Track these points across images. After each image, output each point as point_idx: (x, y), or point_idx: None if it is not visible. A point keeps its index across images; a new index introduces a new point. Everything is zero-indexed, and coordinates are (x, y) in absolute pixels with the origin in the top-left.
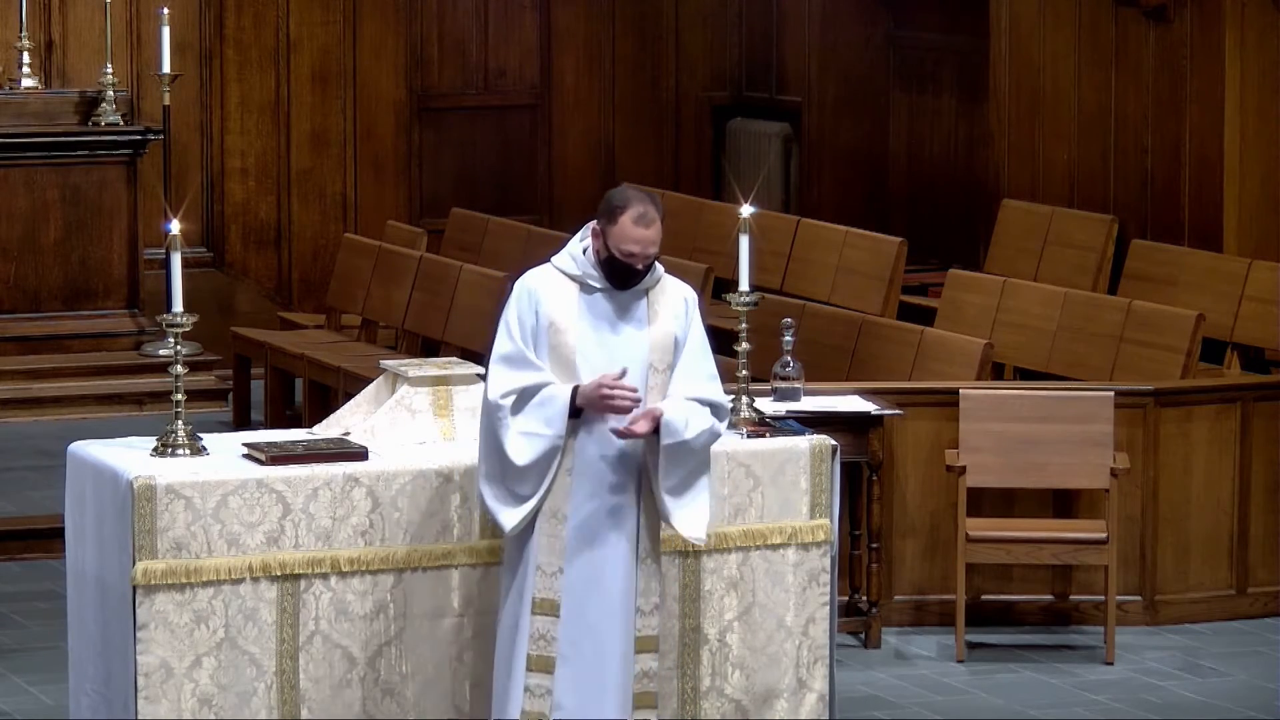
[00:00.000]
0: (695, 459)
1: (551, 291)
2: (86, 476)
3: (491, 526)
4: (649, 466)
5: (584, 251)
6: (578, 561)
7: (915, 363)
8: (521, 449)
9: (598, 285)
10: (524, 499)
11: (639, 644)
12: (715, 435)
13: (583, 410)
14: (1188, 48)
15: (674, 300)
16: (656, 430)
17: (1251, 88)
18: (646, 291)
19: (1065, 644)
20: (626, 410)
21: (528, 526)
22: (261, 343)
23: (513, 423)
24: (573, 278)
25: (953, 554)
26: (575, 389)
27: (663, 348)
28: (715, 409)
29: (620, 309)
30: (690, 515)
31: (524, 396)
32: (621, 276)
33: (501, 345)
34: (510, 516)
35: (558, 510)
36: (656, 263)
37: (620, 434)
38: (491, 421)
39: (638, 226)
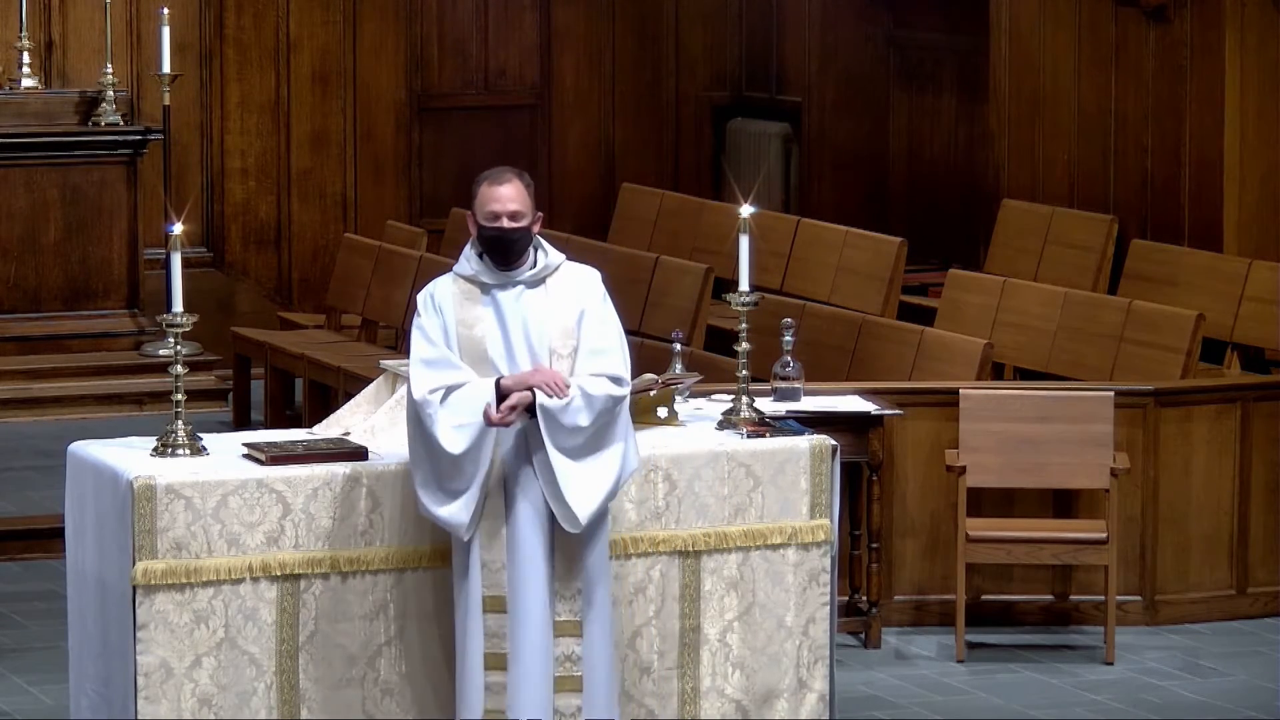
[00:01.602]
0: (583, 431)
1: (453, 295)
2: (86, 476)
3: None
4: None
5: (480, 256)
6: (516, 556)
7: (915, 363)
8: (454, 439)
9: (492, 281)
10: (461, 493)
11: (559, 628)
12: (608, 399)
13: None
14: (1188, 48)
15: (575, 285)
16: (533, 414)
17: (1251, 88)
18: (545, 280)
19: (1065, 644)
20: (522, 406)
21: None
22: (261, 343)
23: (441, 415)
24: (470, 279)
25: (953, 554)
26: (498, 380)
27: (564, 332)
28: (612, 379)
29: (520, 300)
30: (578, 491)
31: (449, 391)
32: (498, 249)
33: (420, 350)
34: (457, 512)
35: (494, 507)
36: (551, 249)
37: (488, 418)
38: (421, 419)
39: (493, 187)
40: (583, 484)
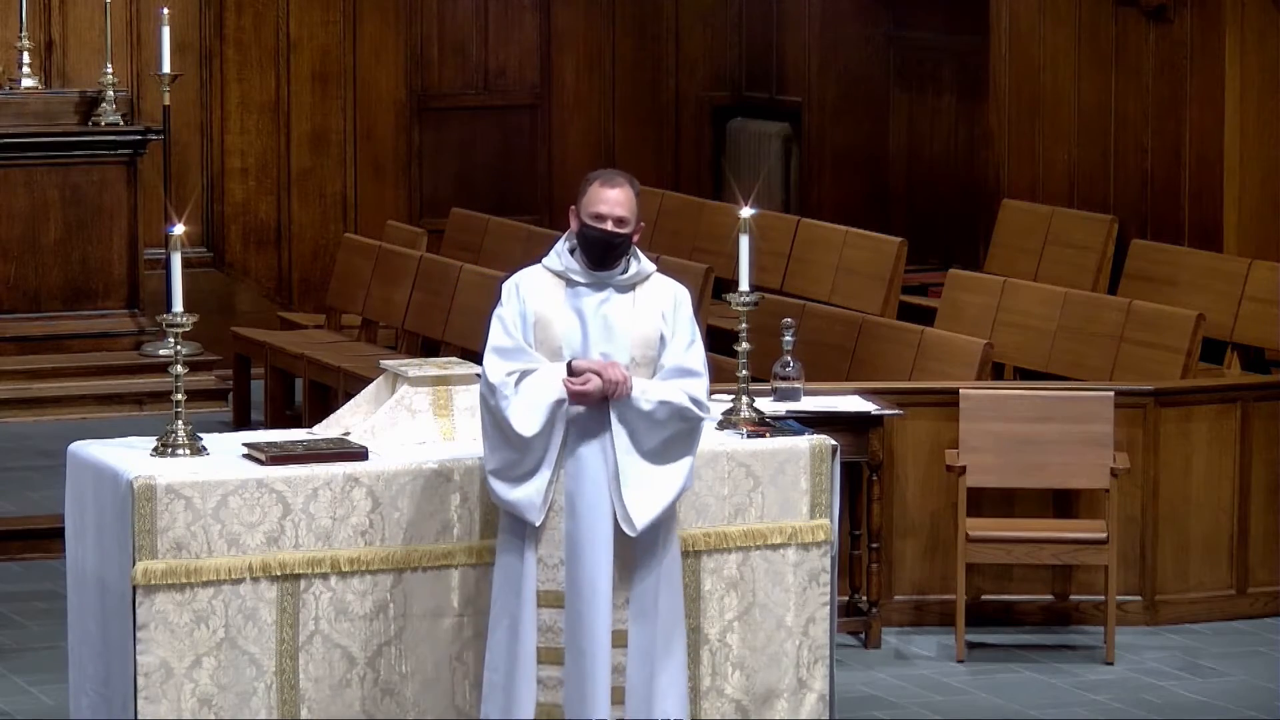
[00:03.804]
0: (657, 434)
1: (538, 287)
2: (86, 476)
3: (506, 521)
4: (612, 440)
5: (571, 251)
6: (573, 553)
7: (915, 363)
8: (527, 421)
9: (582, 280)
10: (532, 475)
11: (613, 639)
12: (686, 413)
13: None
14: (1188, 48)
15: (662, 297)
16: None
17: (1251, 88)
18: (634, 286)
19: (1065, 644)
20: (596, 390)
21: (521, 521)
22: (261, 343)
23: (515, 399)
24: (558, 274)
25: (953, 554)
26: (570, 361)
27: (645, 342)
28: (692, 400)
29: (606, 303)
30: (640, 495)
31: (523, 375)
32: (596, 250)
33: (496, 338)
34: (529, 494)
35: (554, 501)
36: (644, 257)
37: (571, 391)
38: (495, 402)
39: (603, 188)
40: (646, 490)
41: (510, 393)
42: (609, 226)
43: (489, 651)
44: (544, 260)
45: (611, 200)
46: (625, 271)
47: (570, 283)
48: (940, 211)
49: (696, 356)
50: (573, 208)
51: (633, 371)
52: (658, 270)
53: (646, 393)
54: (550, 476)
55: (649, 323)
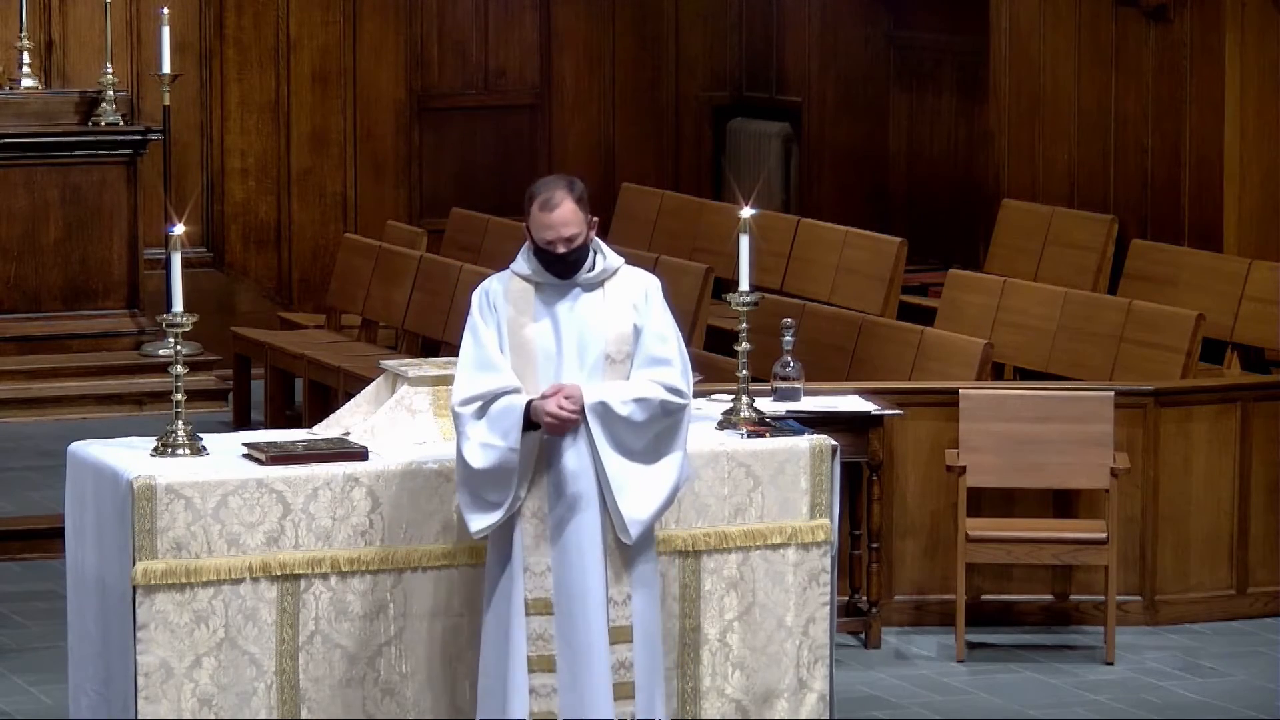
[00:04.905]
0: (642, 435)
1: (508, 293)
2: (86, 476)
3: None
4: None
5: (536, 255)
6: (560, 559)
7: (915, 363)
8: (479, 456)
9: (550, 282)
10: (493, 505)
11: (612, 635)
12: (667, 406)
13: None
14: (1188, 48)
15: (632, 290)
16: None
17: (1251, 88)
18: (603, 283)
19: (1065, 644)
20: (555, 430)
21: (507, 528)
22: (261, 343)
23: (472, 431)
24: (526, 278)
25: (953, 554)
26: (529, 403)
27: (619, 338)
28: (669, 390)
29: (576, 302)
30: (631, 502)
31: (485, 405)
32: (556, 266)
33: (466, 350)
34: (477, 521)
35: (538, 509)
36: (609, 251)
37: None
38: (455, 426)
39: (544, 212)
40: (638, 493)
41: (466, 424)
42: (561, 249)
43: (481, 656)
44: (512, 266)
45: (557, 223)
46: (592, 269)
47: (538, 286)
48: (940, 211)
49: (669, 345)
50: (525, 225)
51: (611, 368)
52: (626, 263)
53: (621, 394)
54: (506, 512)
55: (621, 317)
